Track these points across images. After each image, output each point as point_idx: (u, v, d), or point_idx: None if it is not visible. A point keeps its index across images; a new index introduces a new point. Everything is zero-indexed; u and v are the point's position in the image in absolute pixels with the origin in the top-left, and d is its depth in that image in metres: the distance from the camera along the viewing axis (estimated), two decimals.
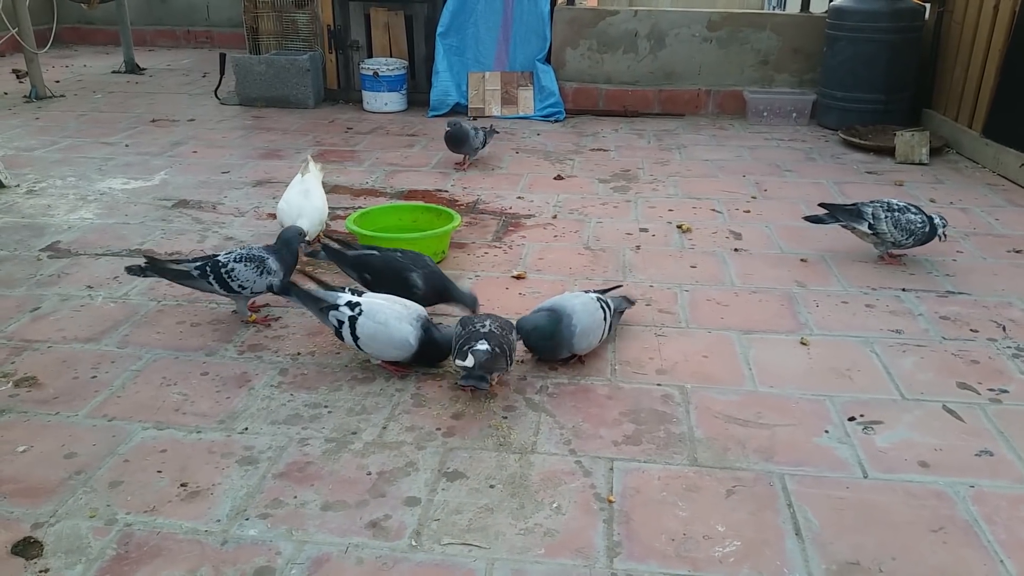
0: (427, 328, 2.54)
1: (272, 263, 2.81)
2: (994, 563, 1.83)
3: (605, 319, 2.63)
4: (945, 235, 3.36)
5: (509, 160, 5.04)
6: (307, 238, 3.31)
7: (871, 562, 1.83)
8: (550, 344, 2.58)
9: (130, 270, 2.83)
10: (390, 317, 2.50)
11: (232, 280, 2.77)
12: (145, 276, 2.85)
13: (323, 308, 2.54)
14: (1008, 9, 4.72)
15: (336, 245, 3.04)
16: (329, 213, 3.72)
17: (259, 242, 3.41)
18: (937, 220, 3.36)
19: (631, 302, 2.94)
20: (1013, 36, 4.67)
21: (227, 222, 3.90)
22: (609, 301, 2.73)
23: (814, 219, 3.48)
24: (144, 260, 2.85)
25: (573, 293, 2.73)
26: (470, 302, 2.81)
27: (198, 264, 2.80)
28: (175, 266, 2.85)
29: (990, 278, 3.33)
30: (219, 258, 2.80)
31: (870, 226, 3.34)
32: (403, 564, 1.80)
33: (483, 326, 2.49)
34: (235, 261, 2.78)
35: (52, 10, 7.77)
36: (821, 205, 3.55)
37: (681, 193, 4.41)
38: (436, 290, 2.83)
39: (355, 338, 2.50)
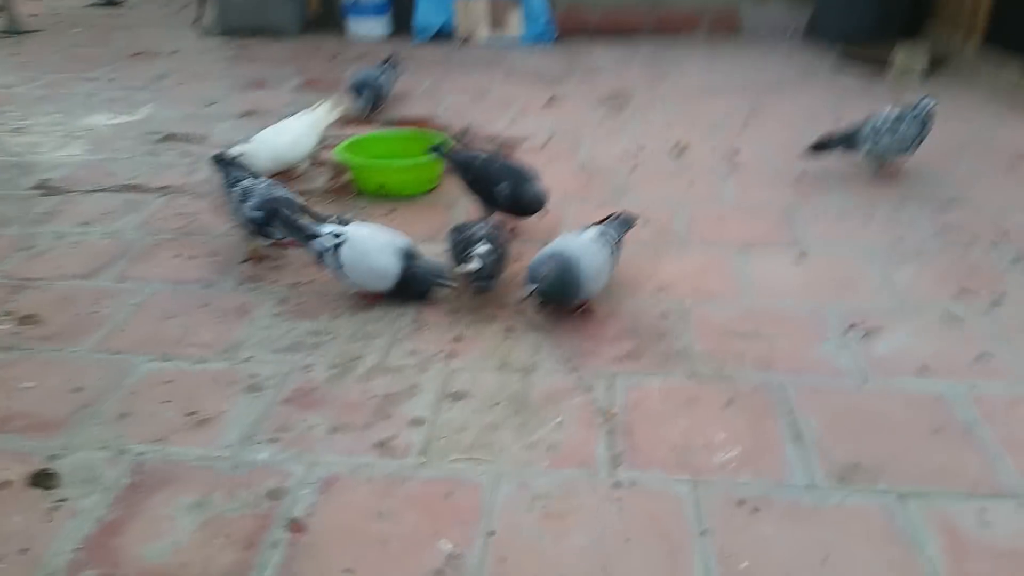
0: (410, 258, 2.53)
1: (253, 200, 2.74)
2: (992, 460, 1.87)
3: (612, 254, 2.53)
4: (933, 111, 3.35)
5: (500, 85, 4.96)
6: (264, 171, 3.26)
7: (871, 464, 1.86)
8: (563, 295, 2.41)
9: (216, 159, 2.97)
10: (372, 247, 2.49)
11: (230, 199, 2.81)
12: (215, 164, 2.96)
13: (307, 236, 2.52)
14: None
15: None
16: (320, 142, 3.67)
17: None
18: (926, 101, 3.34)
19: (630, 224, 2.76)
20: None
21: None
22: (612, 231, 2.59)
23: (817, 147, 3.43)
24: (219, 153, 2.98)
25: (574, 232, 2.57)
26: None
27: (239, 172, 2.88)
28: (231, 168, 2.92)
29: (990, 188, 3.32)
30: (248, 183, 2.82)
31: (868, 151, 3.30)
32: (411, 481, 1.84)
33: (479, 229, 2.56)
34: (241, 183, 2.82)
35: None
36: (818, 144, 3.46)
37: (677, 112, 4.36)
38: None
39: (337, 267, 2.49)
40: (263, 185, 2.76)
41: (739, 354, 2.28)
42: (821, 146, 3.43)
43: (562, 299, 2.43)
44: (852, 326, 2.38)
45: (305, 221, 2.58)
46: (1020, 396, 2.08)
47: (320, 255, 2.50)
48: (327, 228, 2.51)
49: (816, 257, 2.79)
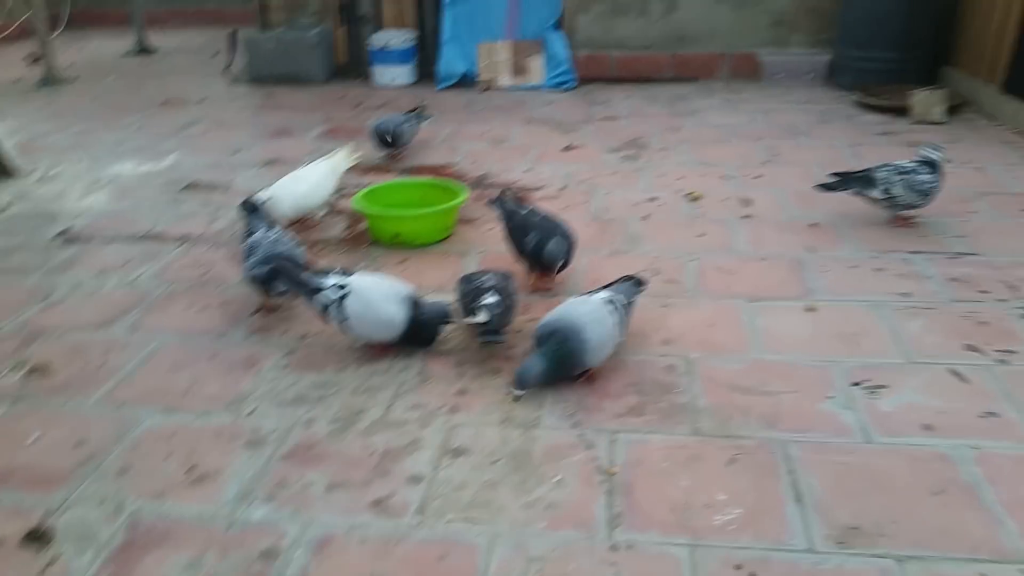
0: (415, 306, 2.55)
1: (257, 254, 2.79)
2: (995, 523, 1.83)
3: (618, 323, 2.44)
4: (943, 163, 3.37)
5: (518, 132, 5.01)
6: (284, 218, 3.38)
7: (872, 526, 1.83)
8: (562, 370, 2.35)
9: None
10: (377, 297, 2.51)
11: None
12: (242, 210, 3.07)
13: (310, 290, 2.54)
14: None
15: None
16: (337, 191, 3.73)
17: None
18: (935, 156, 3.33)
19: (641, 285, 2.71)
20: None
21: (237, 202, 3.90)
22: (620, 297, 2.51)
23: (826, 187, 3.43)
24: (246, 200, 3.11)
25: (580, 298, 2.51)
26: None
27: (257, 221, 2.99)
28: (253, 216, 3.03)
29: (1002, 238, 3.27)
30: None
31: (884, 191, 3.28)
32: (406, 542, 1.83)
33: (487, 279, 2.58)
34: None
35: None
36: (833, 174, 3.48)
37: (692, 160, 4.37)
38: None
39: (342, 319, 2.50)
40: (270, 240, 2.80)
41: (744, 410, 2.26)
42: (833, 185, 3.41)
43: (563, 375, 2.37)
44: (858, 383, 2.35)
45: (308, 275, 2.60)
46: None
47: (325, 308, 2.52)
48: (330, 280, 2.54)
49: (825, 309, 2.77)
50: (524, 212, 3.06)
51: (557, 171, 4.26)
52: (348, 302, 2.49)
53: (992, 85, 4.91)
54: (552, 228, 2.93)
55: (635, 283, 2.68)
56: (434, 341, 2.61)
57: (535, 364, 2.31)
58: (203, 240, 3.51)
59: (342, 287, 2.51)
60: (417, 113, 4.63)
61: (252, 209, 3.03)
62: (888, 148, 4.43)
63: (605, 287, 2.61)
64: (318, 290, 2.52)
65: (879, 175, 3.31)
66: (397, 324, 2.52)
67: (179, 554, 1.81)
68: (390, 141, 4.38)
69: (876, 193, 3.30)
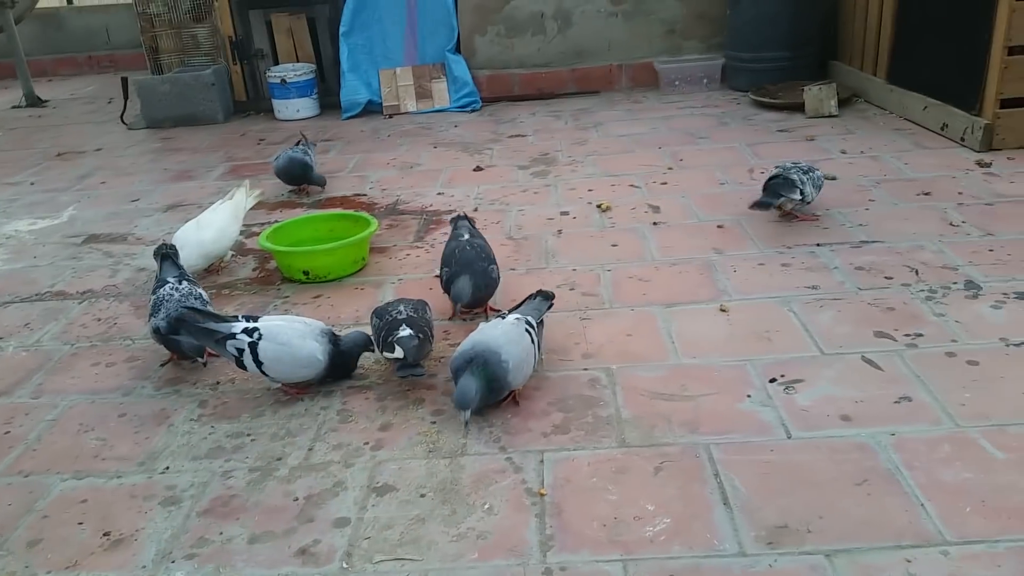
0: (332, 341, 2.51)
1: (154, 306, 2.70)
2: (916, 508, 1.87)
3: (533, 341, 2.42)
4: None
5: (427, 156, 5.00)
6: (194, 269, 3.25)
7: (799, 523, 1.86)
8: (488, 395, 2.29)
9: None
10: (292, 336, 2.45)
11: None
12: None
13: (219, 339, 2.45)
14: None
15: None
16: (243, 231, 3.65)
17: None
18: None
19: (550, 299, 2.71)
20: None
21: (138, 252, 3.79)
22: (530, 318, 2.48)
23: (759, 205, 3.40)
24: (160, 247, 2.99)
25: (491, 323, 2.49)
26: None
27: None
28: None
29: (901, 223, 3.40)
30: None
31: (800, 192, 3.36)
32: None
33: (399, 312, 2.52)
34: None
35: None
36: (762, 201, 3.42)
37: (600, 172, 4.42)
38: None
39: (258, 364, 2.42)
40: (178, 295, 2.69)
41: (666, 417, 2.28)
42: (765, 202, 3.39)
43: (488, 401, 2.33)
44: (774, 379, 2.40)
45: (213, 323, 2.50)
46: (939, 438, 2.10)
47: (239, 355, 2.45)
48: (238, 325, 2.46)
49: (737, 310, 2.82)
50: (461, 240, 2.99)
51: (469, 192, 4.26)
52: (262, 346, 2.42)
53: (878, 77, 5.11)
54: (469, 265, 2.84)
55: (543, 298, 2.68)
56: (353, 371, 2.57)
57: (470, 383, 2.25)
58: (106, 294, 3.38)
59: (251, 332, 2.43)
60: (304, 144, 4.54)
61: (165, 256, 2.92)
62: (787, 144, 4.57)
63: (514, 308, 2.61)
64: (228, 337, 2.44)
65: (793, 176, 3.38)
66: (319, 361, 2.46)
67: None
68: (298, 173, 4.31)
69: (796, 195, 3.36)
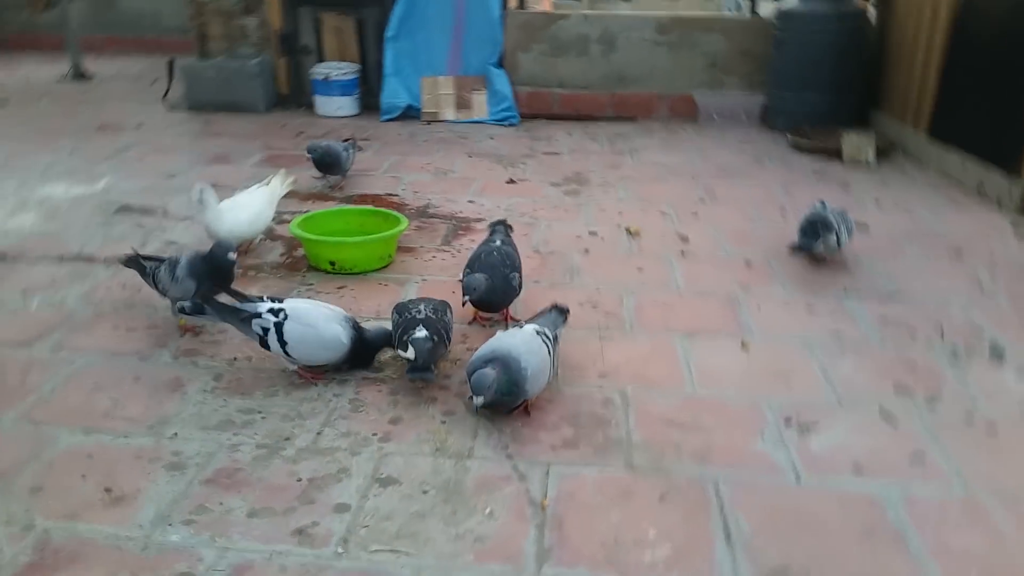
0: (356, 328, 2.52)
1: (180, 270, 2.70)
2: (920, 569, 1.84)
3: (550, 353, 2.41)
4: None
5: (462, 164, 5.02)
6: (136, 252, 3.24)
7: (800, 568, 1.83)
8: (505, 400, 2.29)
9: (122, 261, 2.95)
10: (318, 318, 2.46)
11: (157, 281, 2.77)
12: (128, 267, 2.92)
13: (244, 318, 2.46)
14: (946, 14, 4.80)
15: None
16: (275, 217, 3.67)
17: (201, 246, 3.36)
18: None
19: (565, 313, 2.71)
20: (952, 39, 4.75)
21: (169, 227, 3.83)
22: (547, 330, 2.47)
23: (800, 249, 3.39)
24: (131, 251, 2.93)
25: (509, 332, 2.48)
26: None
27: (153, 263, 2.85)
28: (144, 263, 2.87)
29: (931, 279, 3.37)
30: (166, 259, 2.81)
31: (837, 236, 3.36)
32: (327, 572, 1.77)
33: (418, 312, 2.51)
34: (165, 264, 2.78)
35: None
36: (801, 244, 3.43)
37: (631, 196, 4.42)
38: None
39: (282, 344, 2.44)
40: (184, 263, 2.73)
41: (677, 446, 2.26)
42: (806, 244, 3.37)
43: (504, 404, 2.33)
44: (789, 420, 2.37)
45: (239, 303, 2.52)
46: (951, 500, 2.07)
47: (263, 334, 2.46)
48: (264, 306, 2.48)
49: (758, 347, 2.80)
50: (490, 245, 3.00)
51: (499, 203, 4.27)
52: (288, 326, 2.43)
53: (918, 131, 5.10)
54: (491, 268, 2.83)
55: (559, 312, 2.68)
56: (371, 364, 2.58)
57: (489, 372, 2.22)
58: None
59: (277, 312, 2.45)
60: (350, 143, 4.60)
61: (136, 261, 2.90)
62: (821, 188, 4.55)
63: (530, 320, 2.61)
64: (253, 316, 2.46)
65: (830, 219, 3.37)
66: (343, 344, 2.48)
67: (90, 575, 1.72)
68: (328, 162, 4.36)
69: (833, 239, 3.35)
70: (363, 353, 2.55)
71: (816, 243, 3.37)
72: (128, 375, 2.54)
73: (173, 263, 2.74)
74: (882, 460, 2.22)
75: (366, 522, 1.93)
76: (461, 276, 2.92)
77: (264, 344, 2.46)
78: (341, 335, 2.47)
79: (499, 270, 2.85)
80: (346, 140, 4.61)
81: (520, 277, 2.94)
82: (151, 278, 2.80)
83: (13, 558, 1.77)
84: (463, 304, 2.81)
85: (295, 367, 2.54)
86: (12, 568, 1.75)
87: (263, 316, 2.45)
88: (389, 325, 2.63)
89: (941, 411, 2.45)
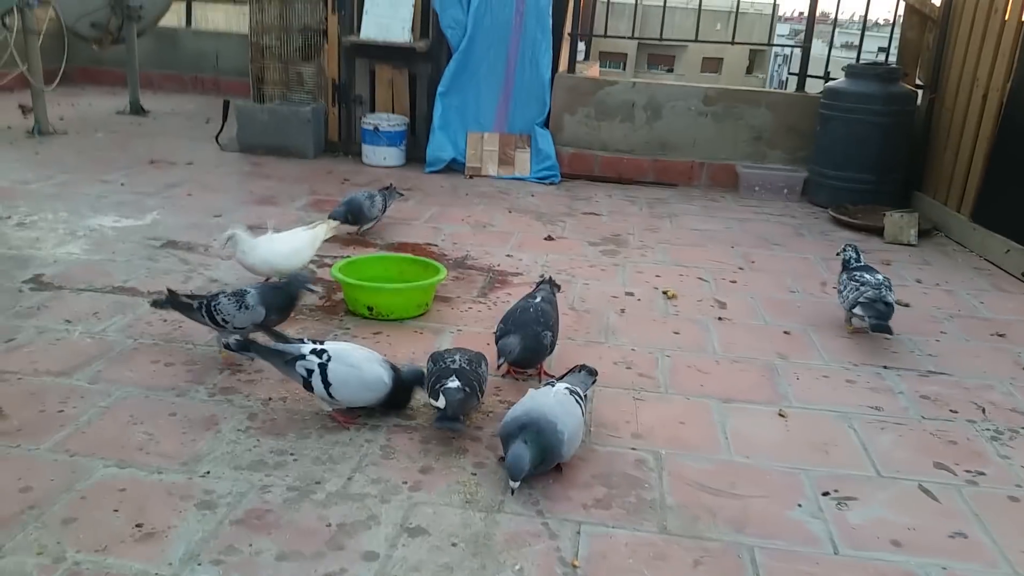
0: (394, 369, 2.54)
1: (251, 298, 2.82)
2: None
3: (583, 413, 2.40)
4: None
5: (502, 219, 5.07)
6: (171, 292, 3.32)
7: None
8: (539, 465, 2.24)
9: (154, 304, 3.03)
10: (361, 359, 2.48)
11: (216, 313, 2.81)
12: (163, 308, 3.00)
13: (288, 360, 2.48)
14: (996, 99, 4.82)
15: None
16: (315, 261, 3.72)
17: (242, 284, 3.40)
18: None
19: (594, 375, 2.69)
20: (1001, 125, 4.76)
21: (213, 264, 3.89)
22: (579, 389, 2.46)
23: (884, 329, 3.32)
24: (167, 293, 2.96)
25: (542, 390, 2.44)
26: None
27: (199, 299, 2.89)
28: (186, 300, 2.92)
29: (972, 360, 3.32)
30: (218, 294, 2.88)
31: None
32: None
33: (453, 362, 2.52)
34: (223, 295, 2.85)
35: (63, 49, 7.89)
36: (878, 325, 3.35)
37: (669, 260, 4.43)
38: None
39: (326, 385, 2.45)
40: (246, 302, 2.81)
41: (712, 511, 2.22)
42: (887, 328, 3.33)
43: (541, 471, 2.28)
44: (827, 492, 2.33)
45: (282, 345, 2.55)
46: None
47: (307, 376, 2.47)
48: (307, 347, 2.50)
49: (796, 417, 2.77)
50: (529, 301, 3.00)
51: (537, 259, 4.29)
52: (332, 367, 2.45)
53: (961, 214, 5.07)
54: (524, 326, 2.83)
55: (588, 373, 2.66)
56: (407, 405, 2.60)
57: (524, 452, 2.19)
58: None
59: (320, 353, 2.47)
60: (389, 191, 4.66)
61: (175, 302, 2.94)
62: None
63: (561, 377, 2.59)
64: (298, 358, 2.48)
65: (891, 299, 3.39)
66: (385, 384, 2.50)
67: None
68: (350, 219, 4.35)
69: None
70: (402, 393, 2.56)
71: (889, 326, 3.32)
72: (164, 410, 2.55)
73: (240, 294, 2.83)
74: (922, 536, 2.16)
75: (394, 572, 1.90)
76: (496, 330, 2.92)
77: (308, 386, 2.47)
78: (383, 376, 2.49)
79: (531, 327, 2.85)
80: (385, 188, 4.67)
81: (553, 336, 2.93)
82: (202, 312, 2.84)
83: None
84: (498, 368, 2.83)
85: (331, 409, 2.54)
86: None
87: (307, 358, 2.46)
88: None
89: (983, 490, 2.40)
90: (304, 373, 2.46)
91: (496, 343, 2.86)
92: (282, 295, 2.92)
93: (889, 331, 3.31)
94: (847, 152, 5.64)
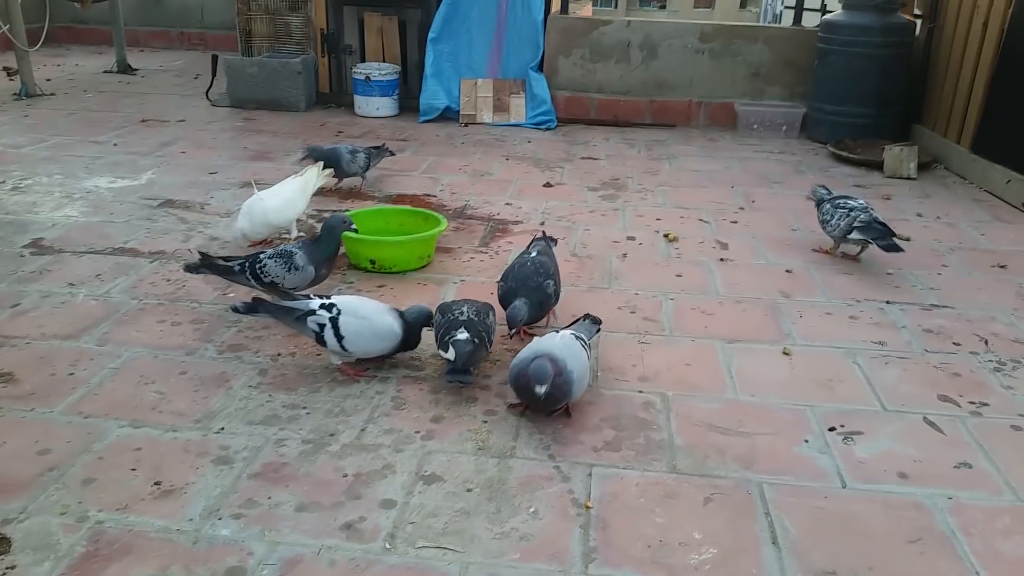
0: (400, 315, 2.57)
1: (299, 259, 2.83)
2: (969, 574, 1.83)
3: (589, 358, 2.44)
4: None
5: (499, 167, 5.04)
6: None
7: (847, 572, 1.82)
8: (551, 399, 2.28)
9: (187, 268, 2.95)
10: (371, 310, 2.51)
11: (264, 275, 2.81)
12: (198, 273, 2.93)
13: (299, 317, 2.49)
14: (997, 27, 4.75)
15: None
16: (314, 215, 3.70)
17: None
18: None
19: (598, 324, 2.72)
20: (1002, 54, 4.69)
21: (212, 222, 3.88)
22: (584, 336, 2.50)
23: (894, 248, 3.40)
24: (199, 256, 2.93)
25: (547, 336, 2.48)
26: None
27: (240, 261, 2.86)
28: (223, 263, 2.89)
29: (974, 292, 3.33)
30: (259, 255, 2.86)
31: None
32: (376, 567, 1.79)
33: (461, 313, 2.53)
34: (268, 257, 2.84)
35: (45, 9, 7.73)
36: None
37: (669, 203, 4.41)
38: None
39: (339, 338, 2.46)
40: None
41: (720, 449, 2.26)
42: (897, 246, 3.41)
43: (551, 405, 2.32)
44: (833, 428, 2.36)
45: (291, 302, 2.55)
46: (999, 508, 2.05)
47: (320, 330, 2.48)
48: (315, 303, 2.51)
49: (800, 354, 2.79)
50: (525, 256, 2.97)
51: (537, 206, 4.28)
52: (343, 320, 2.47)
53: (961, 146, 5.04)
54: (524, 280, 2.79)
55: (592, 321, 2.68)
56: (418, 344, 2.63)
57: (547, 362, 2.23)
58: (177, 257, 3.45)
59: (329, 307, 2.48)
60: (378, 150, 4.53)
61: (208, 265, 2.91)
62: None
63: (566, 327, 2.61)
64: (308, 314, 2.49)
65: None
66: (396, 333, 2.53)
67: (143, 567, 1.75)
68: (330, 165, 4.14)
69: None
70: (411, 337, 2.59)
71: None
72: (174, 369, 2.57)
73: (286, 255, 2.83)
74: (928, 467, 2.20)
75: (412, 518, 1.94)
76: (498, 288, 2.89)
77: (320, 341, 2.49)
78: (394, 325, 2.52)
79: (532, 280, 2.81)
80: (376, 147, 4.54)
81: (556, 284, 2.90)
82: (246, 274, 2.82)
83: (70, 548, 1.81)
84: (510, 336, 2.81)
85: (339, 363, 2.56)
86: (70, 558, 1.78)
87: (317, 313, 2.48)
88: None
89: (987, 421, 2.43)
90: (316, 328, 2.47)
91: (499, 302, 2.82)
92: (327, 247, 2.93)
93: (900, 249, 3.36)
94: (846, 86, 5.58)
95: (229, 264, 2.87)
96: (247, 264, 2.84)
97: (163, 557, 1.79)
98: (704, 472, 2.16)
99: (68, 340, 2.73)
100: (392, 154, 4.72)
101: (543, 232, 3.27)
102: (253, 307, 2.55)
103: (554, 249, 3.15)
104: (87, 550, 1.80)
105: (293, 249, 2.87)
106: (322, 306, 2.49)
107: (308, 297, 2.56)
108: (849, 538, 1.93)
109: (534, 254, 2.99)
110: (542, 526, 1.94)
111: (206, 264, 2.87)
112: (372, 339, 2.51)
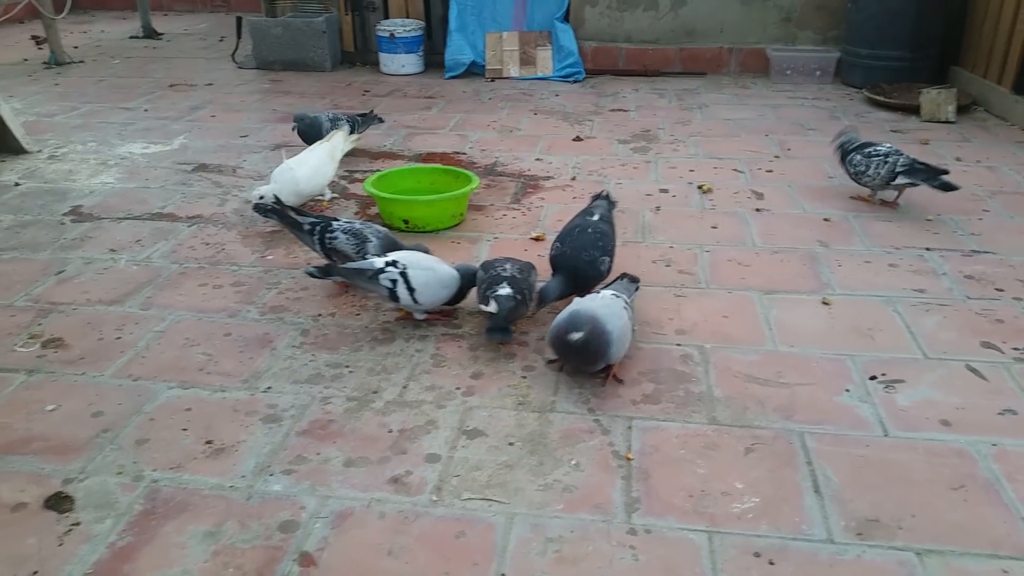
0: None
1: (372, 247, 2.78)
2: (1015, 520, 1.83)
3: (630, 318, 2.40)
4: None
5: (527, 122, 5.00)
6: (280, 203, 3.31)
7: (890, 519, 1.83)
8: (592, 355, 2.28)
9: (256, 208, 3.05)
10: (432, 261, 2.60)
11: (328, 244, 2.82)
12: (267, 217, 3.03)
13: (370, 276, 2.53)
14: None
15: None
16: (346, 176, 3.72)
17: None
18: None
19: (636, 282, 2.69)
20: None
21: (246, 185, 3.91)
22: (624, 296, 2.46)
23: (947, 187, 3.40)
24: (274, 199, 3.01)
25: (588, 296, 2.45)
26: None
27: (312, 221, 2.87)
28: (295, 216, 2.92)
29: (1016, 237, 3.28)
30: (331, 223, 2.85)
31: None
32: (424, 518, 1.83)
33: (504, 270, 2.56)
34: (342, 231, 2.82)
35: None
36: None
37: (702, 153, 4.36)
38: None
39: (411, 291, 2.52)
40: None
41: (760, 400, 2.26)
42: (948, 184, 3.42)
43: (588, 360, 2.31)
44: (874, 377, 2.35)
45: (359, 264, 2.59)
46: None
47: (392, 287, 2.52)
48: (379, 261, 2.56)
49: (839, 304, 2.77)
50: (588, 220, 2.80)
51: (567, 161, 4.26)
52: (411, 273, 2.52)
53: (1002, 86, 4.91)
54: (577, 252, 2.65)
55: (631, 280, 2.68)
56: (463, 299, 2.68)
57: (583, 311, 2.28)
58: (214, 221, 3.50)
59: (394, 264, 2.54)
60: (365, 117, 4.38)
61: (271, 209, 2.98)
62: (899, 146, 4.40)
63: (605, 286, 2.60)
64: (378, 272, 2.53)
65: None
66: (455, 279, 2.61)
67: (199, 523, 1.81)
68: (300, 135, 4.17)
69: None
70: (466, 288, 2.65)
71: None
72: (218, 331, 2.62)
73: (361, 238, 2.79)
74: (971, 414, 2.19)
75: (457, 471, 1.98)
76: (551, 250, 2.74)
77: (394, 296, 2.53)
78: (452, 272, 2.61)
79: (588, 252, 2.65)
80: (363, 114, 4.39)
81: (611, 260, 2.73)
82: (313, 236, 2.82)
83: (129, 506, 1.87)
84: (532, 315, 2.69)
85: (423, 316, 2.65)
86: (129, 515, 1.84)
87: (386, 270, 2.52)
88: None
89: None
90: (389, 284, 2.52)
91: (550, 261, 2.72)
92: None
93: (955, 186, 3.38)
94: (880, 28, 5.44)
95: (300, 220, 2.88)
96: (318, 228, 2.83)
97: (218, 513, 1.84)
98: (744, 423, 2.17)
99: (113, 305, 2.79)
100: (382, 121, 4.55)
101: (606, 193, 3.06)
102: (327, 271, 2.59)
103: (614, 213, 2.99)
104: (145, 508, 1.86)
105: (371, 237, 2.81)
106: (387, 263, 2.54)
107: (363, 257, 2.61)
108: (892, 486, 1.93)
109: (596, 217, 2.82)
110: (584, 478, 1.97)
111: (278, 212, 2.92)
112: (439, 287, 2.58)
